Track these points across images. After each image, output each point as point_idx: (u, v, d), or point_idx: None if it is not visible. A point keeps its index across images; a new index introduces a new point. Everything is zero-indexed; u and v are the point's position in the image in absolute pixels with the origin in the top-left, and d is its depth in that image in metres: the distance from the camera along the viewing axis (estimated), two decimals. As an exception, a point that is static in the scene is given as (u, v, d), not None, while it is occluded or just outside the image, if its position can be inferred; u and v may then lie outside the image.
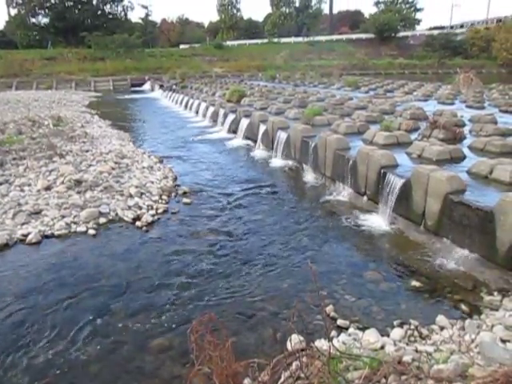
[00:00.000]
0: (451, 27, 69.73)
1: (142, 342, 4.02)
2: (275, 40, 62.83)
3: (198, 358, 2.71)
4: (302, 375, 2.80)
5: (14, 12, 57.32)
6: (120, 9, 61.37)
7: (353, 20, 77.82)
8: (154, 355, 3.85)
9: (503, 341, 3.59)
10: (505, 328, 3.79)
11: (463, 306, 4.43)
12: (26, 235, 6.22)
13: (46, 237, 6.32)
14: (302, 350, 3.20)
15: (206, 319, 2.82)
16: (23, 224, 6.59)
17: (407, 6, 73.69)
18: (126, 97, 30.99)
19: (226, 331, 2.99)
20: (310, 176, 9.36)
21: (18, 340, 4.04)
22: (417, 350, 3.55)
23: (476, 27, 62.65)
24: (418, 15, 74.22)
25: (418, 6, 74.53)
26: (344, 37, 65.58)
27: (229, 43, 60.77)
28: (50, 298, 4.76)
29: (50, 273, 5.35)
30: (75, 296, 4.80)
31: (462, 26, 68.71)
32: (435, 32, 62.87)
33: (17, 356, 3.83)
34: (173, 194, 8.24)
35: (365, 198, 7.46)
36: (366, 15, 75.56)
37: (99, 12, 58.97)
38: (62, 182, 8.13)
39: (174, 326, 4.25)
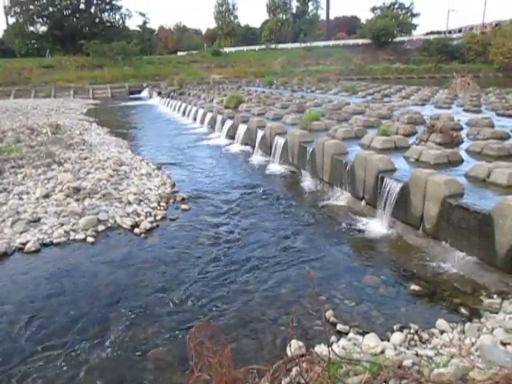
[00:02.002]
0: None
1: (142, 349, 4.01)
2: (272, 46, 63.09)
3: (197, 365, 2.70)
4: (302, 381, 2.79)
5: (12, 21, 57.66)
6: (118, 17, 61.74)
7: (349, 25, 78.35)
8: (153, 362, 3.83)
9: (503, 344, 3.58)
10: (505, 331, 3.78)
11: (463, 310, 4.43)
12: (24, 243, 6.20)
13: (45, 245, 6.30)
14: (302, 355, 3.18)
15: (204, 326, 2.82)
16: (22, 232, 6.58)
17: (403, 11, 74.15)
18: (124, 104, 31.04)
19: (225, 337, 2.99)
20: (308, 181, 9.37)
21: (16, 349, 4.02)
22: (417, 354, 3.54)
23: (472, 32, 63.06)
24: (415, 20, 74.53)
25: (415, 12, 75.09)
26: (341, 42, 65.91)
27: (226, 50, 61.05)
28: (49, 307, 4.74)
29: (48, 281, 5.33)
30: (74, 304, 4.79)
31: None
32: (431, 37, 63.21)
33: (14, 365, 3.80)
34: (171, 201, 8.24)
35: (363, 202, 7.47)
36: (363, 21, 75.98)
37: (97, 20, 59.24)
38: (61, 190, 8.13)
39: (173, 332, 4.24)
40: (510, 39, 50.93)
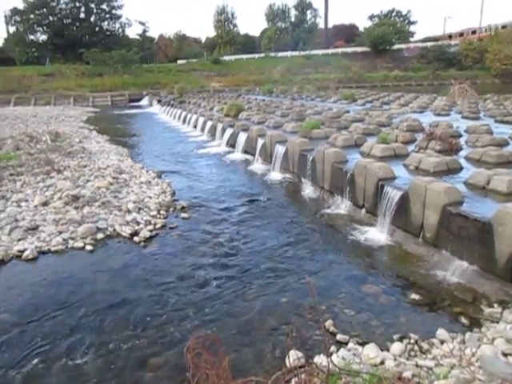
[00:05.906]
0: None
1: (139, 359, 3.96)
2: (272, 54, 63.36)
3: (194, 377, 2.67)
4: (301, 393, 2.75)
5: (12, 29, 58.13)
6: (118, 25, 62.26)
7: (348, 34, 78.61)
8: (151, 373, 3.78)
9: (505, 354, 3.53)
10: (506, 341, 3.74)
11: (463, 319, 4.39)
12: (22, 251, 6.17)
13: (43, 253, 6.27)
14: (301, 366, 3.15)
15: (202, 337, 2.78)
16: (20, 240, 6.55)
17: (401, 19, 74.73)
18: (124, 112, 31.12)
19: (224, 348, 2.95)
20: (308, 189, 9.35)
21: (12, 357, 3.98)
22: (417, 365, 3.50)
23: (469, 38, 63.64)
24: (412, 28, 75.17)
25: (412, 19, 75.69)
26: (340, 50, 66.19)
27: (226, 58, 61.25)
28: (46, 315, 4.70)
29: (46, 289, 5.29)
30: (71, 313, 4.75)
31: (450, 37, 69.93)
32: (429, 44, 63.61)
33: (12, 373, 3.76)
34: (171, 209, 8.21)
35: (363, 210, 7.45)
36: (361, 29, 76.41)
37: (97, 29, 59.69)
38: (60, 198, 8.11)
39: (171, 343, 4.19)
40: (507, 46, 51.31)
